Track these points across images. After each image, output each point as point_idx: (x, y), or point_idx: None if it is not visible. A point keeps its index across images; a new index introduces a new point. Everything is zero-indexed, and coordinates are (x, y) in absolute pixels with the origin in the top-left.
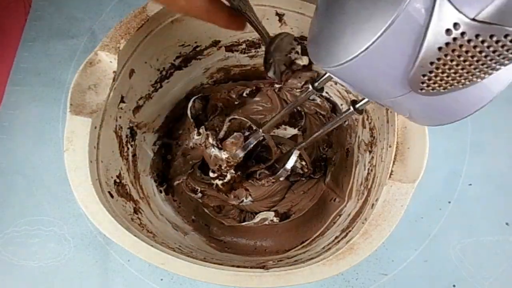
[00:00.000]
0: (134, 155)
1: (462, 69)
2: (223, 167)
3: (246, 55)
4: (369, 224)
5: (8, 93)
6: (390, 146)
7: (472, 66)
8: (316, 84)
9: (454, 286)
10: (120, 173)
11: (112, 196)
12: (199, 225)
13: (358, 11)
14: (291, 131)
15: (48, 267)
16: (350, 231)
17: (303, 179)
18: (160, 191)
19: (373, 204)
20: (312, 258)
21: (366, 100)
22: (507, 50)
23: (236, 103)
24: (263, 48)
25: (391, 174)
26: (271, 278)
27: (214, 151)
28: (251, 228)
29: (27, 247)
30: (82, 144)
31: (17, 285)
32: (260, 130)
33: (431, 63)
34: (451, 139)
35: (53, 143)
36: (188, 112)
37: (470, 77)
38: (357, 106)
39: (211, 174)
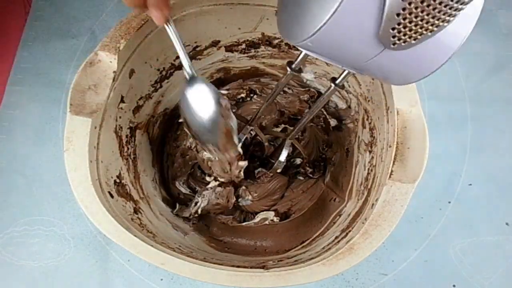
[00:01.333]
0: (134, 155)
1: (428, 14)
2: (217, 171)
3: (246, 55)
4: (369, 224)
5: (8, 93)
6: (390, 146)
7: (436, 10)
8: (293, 65)
9: (454, 286)
10: (120, 173)
11: (112, 196)
12: (199, 225)
13: None
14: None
15: (48, 267)
16: (350, 231)
17: (301, 178)
18: (160, 191)
19: (373, 204)
20: (312, 258)
21: (345, 73)
22: None
23: (233, 110)
24: (263, 48)
25: (391, 174)
26: (271, 278)
27: (207, 154)
28: (251, 228)
29: (27, 247)
30: (82, 144)
31: (17, 285)
32: (248, 126)
33: (398, 15)
34: (451, 139)
35: (53, 143)
36: (181, 119)
37: (437, 22)
38: (337, 82)
39: (208, 178)
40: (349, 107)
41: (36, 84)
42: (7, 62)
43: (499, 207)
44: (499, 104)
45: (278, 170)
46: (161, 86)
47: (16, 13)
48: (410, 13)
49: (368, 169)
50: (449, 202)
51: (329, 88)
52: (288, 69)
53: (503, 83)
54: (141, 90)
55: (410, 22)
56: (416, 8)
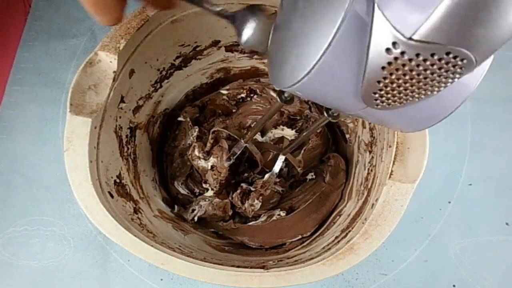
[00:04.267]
0: (134, 155)
1: (412, 86)
2: (210, 181)
3: (246, 55)
4: (369, 224)
5: (8, 93)
6: (390, 146)
7: (421, 83)
8: (283, 96)
9: (454, 286)
10: (120, 173)
11: (112, 196)
12: (199, 225)
13: (300, 32)
14: (288, 132)
15: (48, 267)
16: (350, 231)
17: (300, 176)
18: (160, 191)
19: (373, 204)
20: (312, 258)
21: None
22: (454, 66)
23: (234, 110)
24: None
25: (391, 174)
26: (271, 278)
27: (201, 163)
28: (259, 227)
29: (27, 247)
30: (82, 144)
31: (17, 285)
32: (242, 141)
33: (378, 82)
34: (451, 139)
35: (53, 143)
36: (181, 118)
37: (423, 92)
38: (330, 112)
39: (204, 185)
40: None
41: (36, 84)
42: (7, 62)
43: (499, 207)
44: (499, 103)
45: (272, 183)
46: (161, 86)
47: (16, 13)
48: (391, 83)
49: (368, 169)
50: (449, 202)
51: (322, 117)
52: (278, 99)
53: (503, 82)
54: (141, 90)
55: (392, 90)
56: (398, 79)
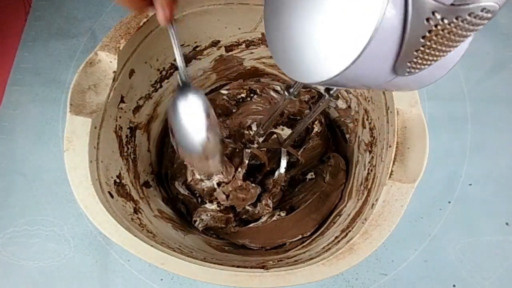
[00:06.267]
0: (134, 155)
1: (445, 45)
2: (221, 198)
3: (245, 55)
4: (369, 224)
5: (8, 93)
6: (390, 146)
7: (452, 41)
8: (291, 90)
9: (454, 286)
10: (120, 173)
11: (112, 196)
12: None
13: (335, 28)
14: (288, 132)
15: (48, 267)
16: (350, 231)
17: (300, 177)
18: (160, 191)
19: (373, 204)
20: (312, 258)
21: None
22: (480, 18)
23: (234, 110)
24: (261, 47)
25: (391, 174)
26: (271, 278)
27: (205, 184)
28: (260, 228)
29: (27, 247)
30: (82, 144)
31: (17, 285)
32: (245, 148)
33: (416, 51)
34: (451, 139)
35: (53, 143)
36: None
37: (449, 49)
38: (331, 92)
39: (209, 206)
40: (349, 107)
41: (36, 84)
42: (7, 62)
43: (499, 207)
44: (499, 104)
45: (282, 183)
46: (161, 86)
47: (16, 13)
48: (428, 48)
49: (368, 169)
50: (449, 202)
51: (324, 98)
52: (286, 93)
53: (503, 83)
54: (141, 90)
55: (427, 55)
56: (435, 43)
